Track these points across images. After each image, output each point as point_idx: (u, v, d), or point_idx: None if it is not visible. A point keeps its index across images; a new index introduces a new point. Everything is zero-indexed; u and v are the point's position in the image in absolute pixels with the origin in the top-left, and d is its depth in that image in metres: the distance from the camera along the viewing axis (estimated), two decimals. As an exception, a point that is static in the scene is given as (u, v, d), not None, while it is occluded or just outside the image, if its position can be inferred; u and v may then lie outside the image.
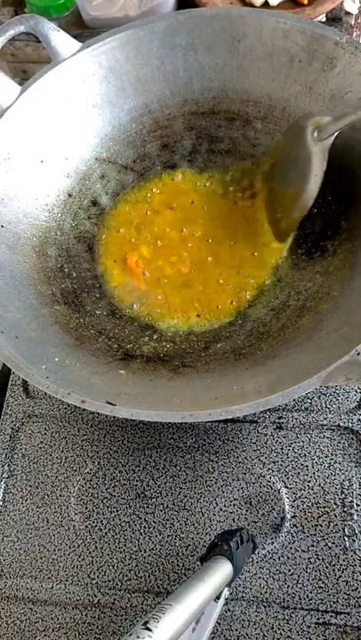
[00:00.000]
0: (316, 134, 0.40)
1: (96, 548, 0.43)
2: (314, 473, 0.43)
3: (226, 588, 0.33)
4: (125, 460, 0.45)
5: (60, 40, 0.45)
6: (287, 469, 0.43)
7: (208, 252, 0.47)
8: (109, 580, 0.42)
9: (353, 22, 0.60)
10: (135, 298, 0.47)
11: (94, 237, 0.49)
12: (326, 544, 0.40)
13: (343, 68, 0.43)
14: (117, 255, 0.49)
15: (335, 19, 0.58)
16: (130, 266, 0.48)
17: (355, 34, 0.61)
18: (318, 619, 0.39)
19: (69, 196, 0.48)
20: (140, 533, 0.42)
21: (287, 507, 0.42)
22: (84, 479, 0.45)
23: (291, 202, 0.43)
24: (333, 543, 0.40)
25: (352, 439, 0.43)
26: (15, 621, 0.41)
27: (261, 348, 0.41)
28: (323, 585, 0.39)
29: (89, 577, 0.42)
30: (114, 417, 0.38)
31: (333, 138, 0.40)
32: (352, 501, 0.41)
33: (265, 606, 0.39)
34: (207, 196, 0.50)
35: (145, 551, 0.42)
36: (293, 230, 0.45)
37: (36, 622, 0.41)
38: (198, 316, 0.45)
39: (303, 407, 0.45)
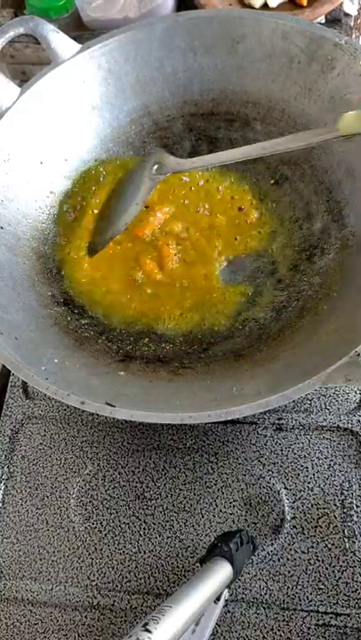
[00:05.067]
0: (155, 169, 0.43)
1: (96, 549, 0.43)
2: (314, 474, 0.43)
3: (226, 590, 0.33)
4: (125, 461, 0.45)
5: (60, 42, 0.45)
6: (287, 471, 0.43)
7: (207, 252, 0.47)
8: (109, 582, 0.42)
9: (352, 24, 0.60)
10: (135, 299, 0.47)
11: (94, 239, 0.49)
12: (326, 545, 0.40)
13: (342, 70, 0.43)
14: (117, 256, 0.48)
15: (334, 20, 0.59)
16: (129, 266, 0.48)
17: (354, 35, 0.61)
18: (318, 620, 0.39)
19: (69, 197, 0.48)
20: (140, 535, 0.42)
21: (287, 508, 0.42)
22: (83, 481, 0.45)
23: (110, 220, 0.45)
24: (333, 544, 0.40)
25: (352, 440, 0.43)
26: (15, 623, 0.41)
27: (261, 349, 0.41)
28: (323, 586, 0.39)
29: (88, 578, 0.42)
30: (113, 418, 0.39)
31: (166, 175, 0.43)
32: (352, 502, 0.41)
33: (265, 608, 0.39)
34: (206, 196, 0.50)
35: (145, 553, 0.42)
36: (102, 248, 0.46)
37: (35, 624, 0.41)
38: (198, 317, 0.45)
39: (303, 408, 0.45)
